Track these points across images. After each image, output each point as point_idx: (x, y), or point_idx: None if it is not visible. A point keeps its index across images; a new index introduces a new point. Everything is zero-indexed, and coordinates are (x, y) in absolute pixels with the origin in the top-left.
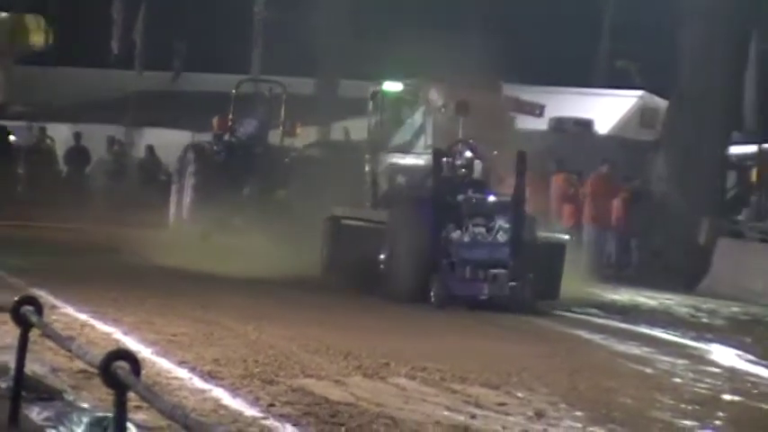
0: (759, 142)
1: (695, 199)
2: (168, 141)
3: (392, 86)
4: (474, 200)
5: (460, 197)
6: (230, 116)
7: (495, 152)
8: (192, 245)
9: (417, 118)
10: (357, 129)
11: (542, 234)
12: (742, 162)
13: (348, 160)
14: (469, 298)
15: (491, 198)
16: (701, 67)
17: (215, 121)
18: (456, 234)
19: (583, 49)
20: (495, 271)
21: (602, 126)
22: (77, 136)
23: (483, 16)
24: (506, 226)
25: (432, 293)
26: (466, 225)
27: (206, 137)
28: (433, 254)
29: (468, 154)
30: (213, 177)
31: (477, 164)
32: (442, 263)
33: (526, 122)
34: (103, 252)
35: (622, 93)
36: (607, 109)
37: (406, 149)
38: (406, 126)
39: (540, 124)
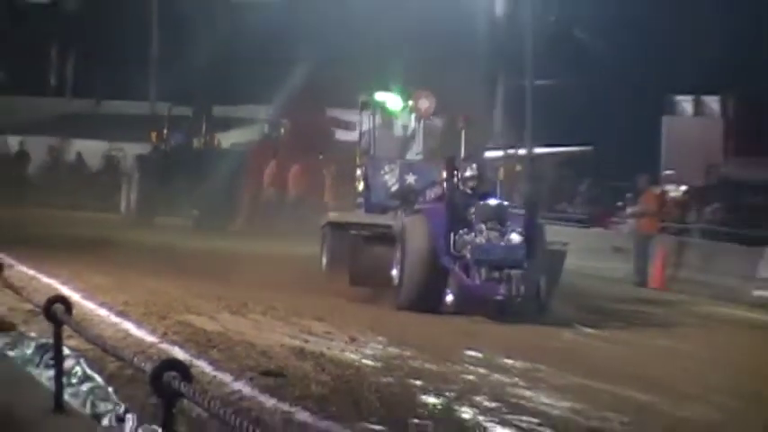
0: (505, 148)
1: None
2: (91, 149)
3: (383, 96)
4: (487, 205)
5: (472, 208)
6: (165, 131)
7: (321, 156)
8: (132, 226)
9: (407, 125)
10: (223, 140)
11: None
12: (493, 163)
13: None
14: (486, 299)
15: (504, 203)
16: (464, 99)
17: (153, 135)
18: (470, 236)
19: (381, 81)
20: (511, 271)
21: None
22: (21, 144)
23: (312, 56)
24: (519, 230)
25: (447, 298)
26: (479, 228)
27: (120, 145)
28: (447, 260)
29: (475, 167)
30: (153, 178)
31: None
32: (454, 267)
33: (343, 135)
34: (49, 227)
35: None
36: None
37: (398, 155)
38: (396, 133)
39: (353, 135)
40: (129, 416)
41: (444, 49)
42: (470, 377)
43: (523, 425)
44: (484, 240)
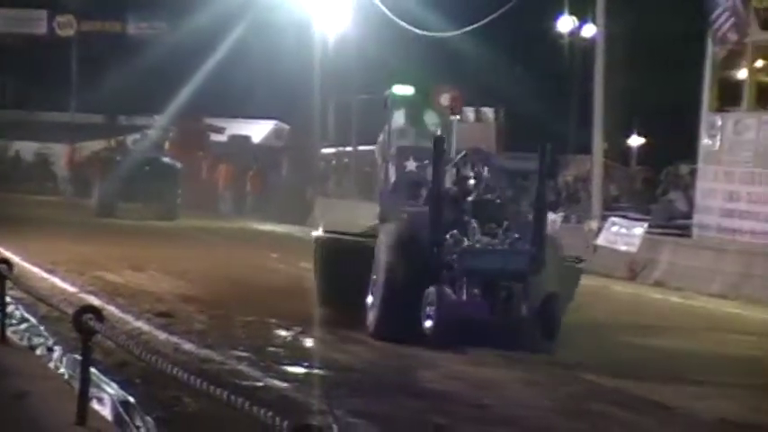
0: (336, 146)
1: (304, 176)
2: (26, 148)
3: (402, 90)
4: (481, 202)
5: (466, 204)
6: (127, 137)
7: (201, 153)
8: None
9: (427, 122)
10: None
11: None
12: (327, 157)
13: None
14: (474, 319)
15: (501, 201)
16: (307, 113)
17: (113, 141)
18: (459, 240)
19: (246, 95)
20: (512, 284)
21: (256, 138)
22: None
23: (192, 76)
24: (517, 235)
25: (425, 323)
26: (472, 230)
27: (48, 145)
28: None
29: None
30: (113, 175)
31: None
32: (440, 276)
33: (216, 137)
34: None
35: (266, 122)
36: (259, 130)
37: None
38: (415, 130)
39: (223, 138)
40: (56, 347)
41: (293, 76)
42: (313, 315)
43: (352, 350)
44: (476, 245)
